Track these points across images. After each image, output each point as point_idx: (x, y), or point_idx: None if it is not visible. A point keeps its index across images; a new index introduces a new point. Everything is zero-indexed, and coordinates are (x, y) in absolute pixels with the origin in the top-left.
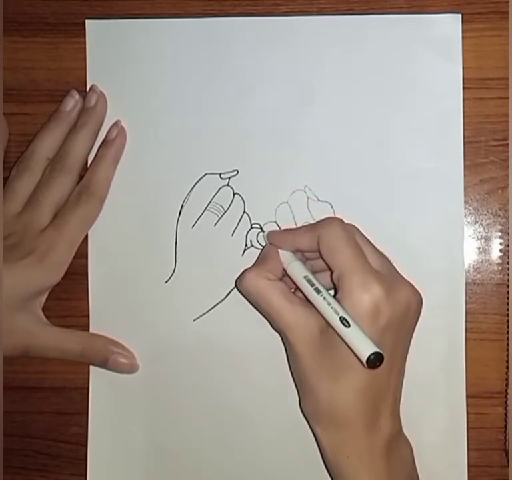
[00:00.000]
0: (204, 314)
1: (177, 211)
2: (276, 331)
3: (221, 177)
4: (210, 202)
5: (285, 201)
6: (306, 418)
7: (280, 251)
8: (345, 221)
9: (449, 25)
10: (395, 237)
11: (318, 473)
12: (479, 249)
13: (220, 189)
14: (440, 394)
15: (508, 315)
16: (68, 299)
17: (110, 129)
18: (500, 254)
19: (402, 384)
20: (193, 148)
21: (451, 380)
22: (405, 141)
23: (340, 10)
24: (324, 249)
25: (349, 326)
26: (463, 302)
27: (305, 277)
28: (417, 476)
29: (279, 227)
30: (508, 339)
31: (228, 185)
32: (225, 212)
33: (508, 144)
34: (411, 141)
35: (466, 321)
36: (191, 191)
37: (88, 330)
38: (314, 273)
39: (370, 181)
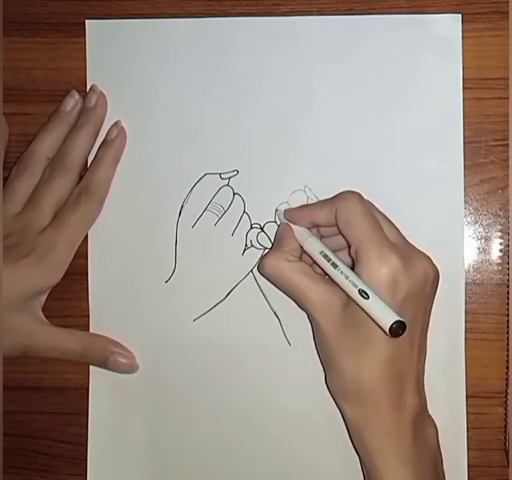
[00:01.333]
0: (204, 314)
1: (177, 211)
2: (303, 310)
3: (221, 177)
4: (210, 202)
5: (284, 201)
6: (332, 395)
7: (295, 228)
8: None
9: (449, 24)
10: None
11: (319, 472)
12: (478, 248)
13: (220, 189)
14: (440, 394)
15: (508, 315)
16: (68, 299)
17: (110, 129)
18: (500, 254)
19: (424, 360)
20: (193, 148)
21: (451, 380)
22: (405, 141)
23: (340, 10)
24: (341, 222)
25: (368, 298)
26: (463, 302)
27: (321, 253)
28: (441, 457)
29: (279, 226)
30: (508, 339)
31: (228, 185)
32: (225, 212)
33: (508, 144)
34: (411, 141)
35: (466, 321)
36: (191, 191)
37: (88, 330)
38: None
39: (370, 181)
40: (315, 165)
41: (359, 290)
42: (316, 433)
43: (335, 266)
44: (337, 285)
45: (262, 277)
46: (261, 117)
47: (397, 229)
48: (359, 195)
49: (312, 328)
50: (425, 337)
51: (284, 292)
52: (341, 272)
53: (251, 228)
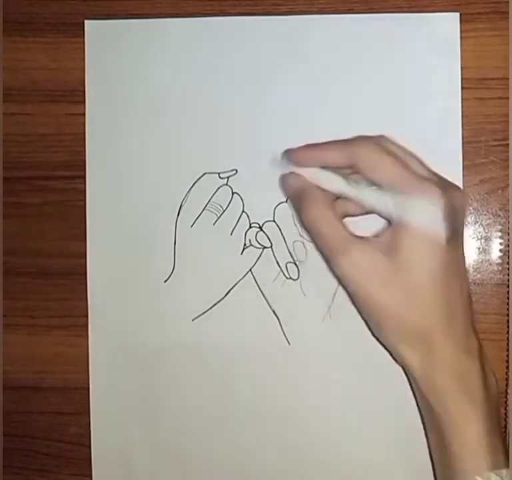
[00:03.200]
0: (203, 313)
1: (176, 210)
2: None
3: (219, 176)
4: (209, 201)
5: (283, 201)
6: (390, 347)
7: (304, 170)
8: None
9: (447, 23)
10: None
11: (321, 471)
12: (478, 248)
13: (219, 188)
14: None
15: (508, 315)
16: (68, 299)
17: None
18: (500, 254)
19: (470, 294)
20: (192, 147)
21: None
22: (404, 142)
23: (340, 10)
24: (365, 165)
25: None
26: None
27: (343, 188)
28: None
29: (278, 226)
30: (508, 339)
31: (227, 184)
32: (224, 211)
33: (508, 144)
34: (410, 141)
35: None
36: (189, 190)
37: (87, 330)
38: None
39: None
40: None
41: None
42: (316, 432)
43: (376, 194)
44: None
45: (261, 276)
46: (260, 117)
47: (422, 161)
48: (373, 138)
49: (349, 294)
50: (464, 265)
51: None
52: (361, 191)
53: (250, 227)
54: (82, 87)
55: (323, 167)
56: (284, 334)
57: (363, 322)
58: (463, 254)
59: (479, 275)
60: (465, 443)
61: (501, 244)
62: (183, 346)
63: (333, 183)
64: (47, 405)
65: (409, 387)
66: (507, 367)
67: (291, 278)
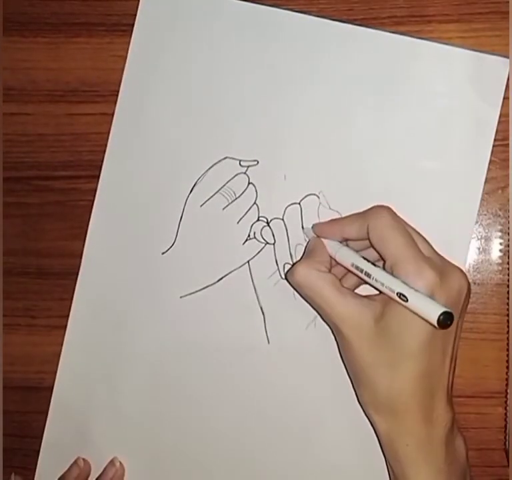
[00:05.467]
0: (192, 293)
1: (189, 187)
2: (327, 323)
3: (240, 164)
4: (223, 186)
5: (296, 202)
6: (363, 407)
7: (326, 241)
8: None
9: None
10: None
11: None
12: (479, 249)
13: (236, 175)
14: None
15: (508, 315)
16: (68, 298)
17: (106, 468)
18: (500, 254)
19: (454, 370)
20: (220, 130)
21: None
22: (419, 154)
23: (340, 10)
24: (375, 238)
25: (407, 300)
26: None
27: (352, 265)
28: (470, 470)
29: (285, 225)
30: (508, 338)
31: (245, 173)
32: (236, 198)
33: (508, 144)
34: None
35: (466, 321)
36: (207, 171)
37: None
38: None
39: (389, 191)
40: (333, 173)
41: (397, 294)
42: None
43: (368, 275)
44: (377, 290)
45: (257, 271)
46: (291, 113)
47: (429, 243)
48: (390, 209)
49: (337, 342)
50: (456, 349)
51: (310, 303)
52: (376, 280)
53: (258, 220)
54: (83, 86)
55: (345, 240)
56: (266, 332)
57: None
58: (457, 333)
59: (479, 275)
60: None
61: (501, 244)
62: (165, 320)
63: (346, 257)
64: (47, 404)
65: None
66: (507, 367)
67: (285, 279)
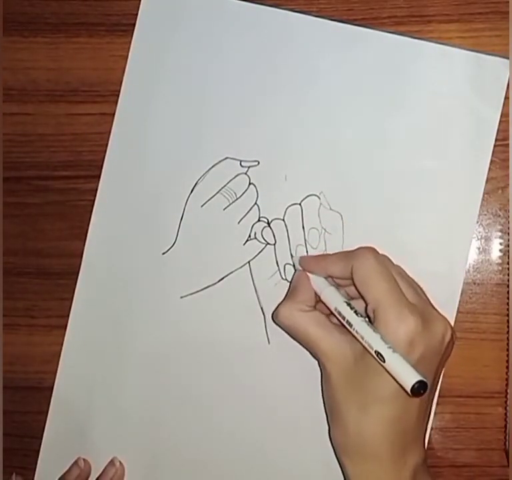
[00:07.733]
0: (192, 293)
1: (190, 187)
2: (315, 359)
3: (241, 164)
4: (224, 186)
5: (297, 202)
6: (334, 448)
7: (311, 276)
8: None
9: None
10: (410, 253)
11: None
12: (479, 249)
13: (237, 175)
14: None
15: (508, 315)
16: (68, 298)
17: (105, 470)
18: (500, 254)
19: (430, 414)
20: (221, 130)
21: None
22: (420, 154)
23: (340, 10)
24: (358, 281)
25: (384, 361)
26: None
27: (335, 309)
28: None
29: (286, 226)
30: (508, 338)
31: (246, 173)
32: (237, 199)
33: (508, 144)
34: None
35: (466, 321)
36: (208, 171)
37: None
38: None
39: (386, 195)
40: (334, 174)
41: (375, 352)
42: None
43: (349, 325)
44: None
45: (257, 271)
46: (293, 115)
47: (416, 284)
48: (375, 251)
49: (321, 378)
50: (432, 398)
51: (298, 341)
52: (357, 332)
53: (258, 220)
54: (83, 86)
55: (329, 276)
56: (266, 332)
57: None
58: (436, 380)
59: (479, 275)
60: None
61: (501, 244)
62: (165, 321)
63: (331, 299)
64: (47, 404)
65: None
66: (507, 367)
67: (286, 279)
